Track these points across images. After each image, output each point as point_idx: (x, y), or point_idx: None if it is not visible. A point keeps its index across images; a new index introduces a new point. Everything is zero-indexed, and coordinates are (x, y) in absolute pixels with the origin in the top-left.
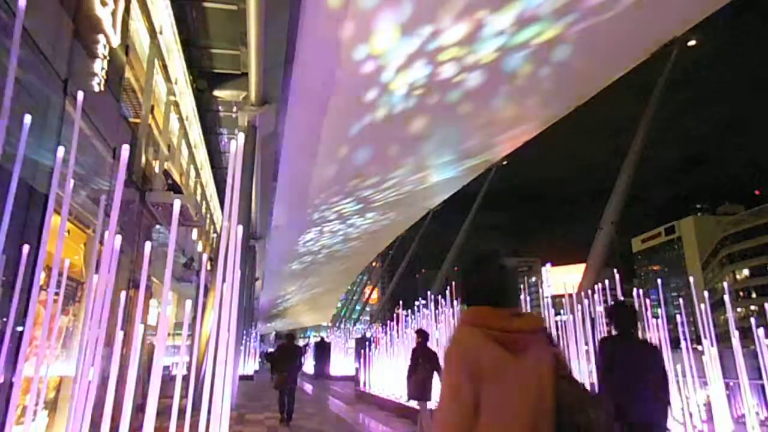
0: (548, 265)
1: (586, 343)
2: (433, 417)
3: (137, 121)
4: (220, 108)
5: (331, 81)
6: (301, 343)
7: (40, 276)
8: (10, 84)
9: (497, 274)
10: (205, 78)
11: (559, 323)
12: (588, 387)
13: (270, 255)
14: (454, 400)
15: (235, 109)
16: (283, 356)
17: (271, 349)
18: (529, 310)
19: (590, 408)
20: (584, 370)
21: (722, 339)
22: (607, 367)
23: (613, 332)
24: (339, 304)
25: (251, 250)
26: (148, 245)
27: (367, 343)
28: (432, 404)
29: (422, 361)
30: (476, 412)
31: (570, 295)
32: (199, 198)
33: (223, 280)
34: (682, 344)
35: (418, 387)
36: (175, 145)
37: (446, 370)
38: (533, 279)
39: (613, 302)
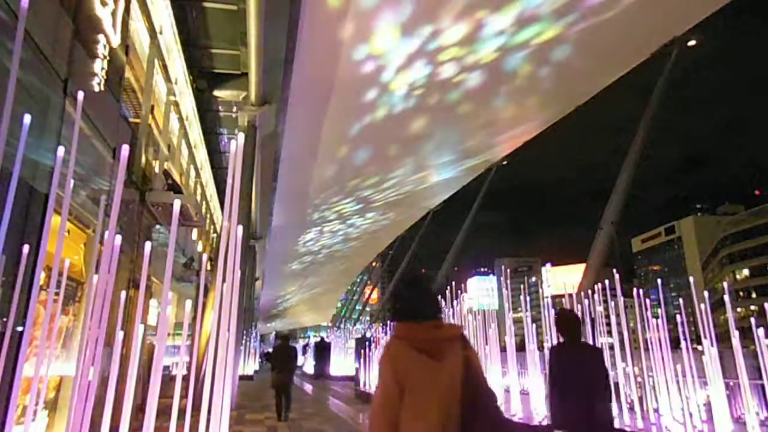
0: (548, 265)
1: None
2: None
3: (137, 121)
4: (220, 108)
5: (331, 81)
6: (301, 343)
7: (40, 276)
8: (11, 84)
9: (418, 295)
10: (205, 78)
11: None
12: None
13: (270, 255)
14: (384, 397)
15: (235, 109)
16: (279, 357)
17: (270, 350)
18: (529, 311)
19: (489, 400)
20: None
21: (722, 339)
22: (556, 372)
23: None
24: (339, 304)
25: (251, 250)
26: (148, 245)
27: (367, 343)
28: None
29: None
30: (401, 406)
31: (570, 295)
32: (199, 198)
33: (223, 280)
34: (682, 344)
35: None
36: (175, 145)
37: (379, 373)
38: (533, 279)
39: (561, 309)
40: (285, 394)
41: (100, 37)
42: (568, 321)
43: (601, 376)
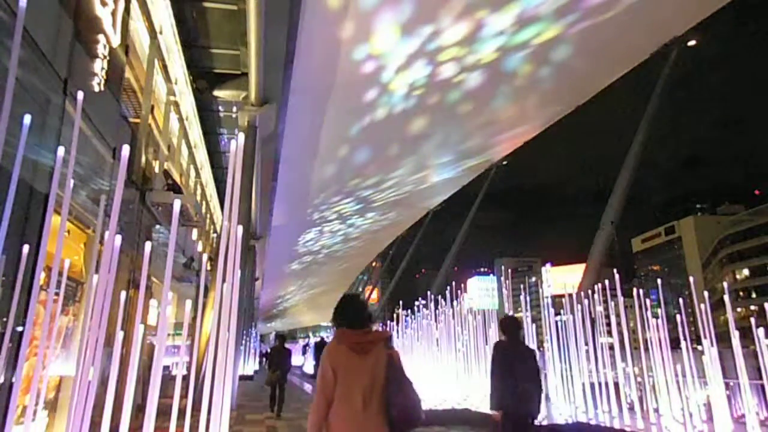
0: (548, 265)
1: (586, 343)
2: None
3: (137, 121)
4: (220, 108)
5: (331, 81)
6: (300, 342)
7: (40, 276)
8: (11, 84)
9: (351, 310)
10: (205, 78)
11: (559, 323)
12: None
13: (270, 255)
14: (322, 383)
15: (235, 109)
16: (276, 357)
17: (268, 349)
18: (529, 311)
19: (408, 390)
20: (584, 369)
21: (722, 339)
22: (497, 366)
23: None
24: None
25: (251, 250)
26: (148, 245)
27: None
28: None
29: None
30: (335, 391)
31: (570, 295)
32: (199, 198)
33: (223, 280)
34: (682, 344)
35: None
36: (175, 145)
37: (320, 366)
38: (533, 279)
39: (505, 315)
40: (280, 390)
41: (100, 37)
42: (510, 324)
43: (533, 370)
